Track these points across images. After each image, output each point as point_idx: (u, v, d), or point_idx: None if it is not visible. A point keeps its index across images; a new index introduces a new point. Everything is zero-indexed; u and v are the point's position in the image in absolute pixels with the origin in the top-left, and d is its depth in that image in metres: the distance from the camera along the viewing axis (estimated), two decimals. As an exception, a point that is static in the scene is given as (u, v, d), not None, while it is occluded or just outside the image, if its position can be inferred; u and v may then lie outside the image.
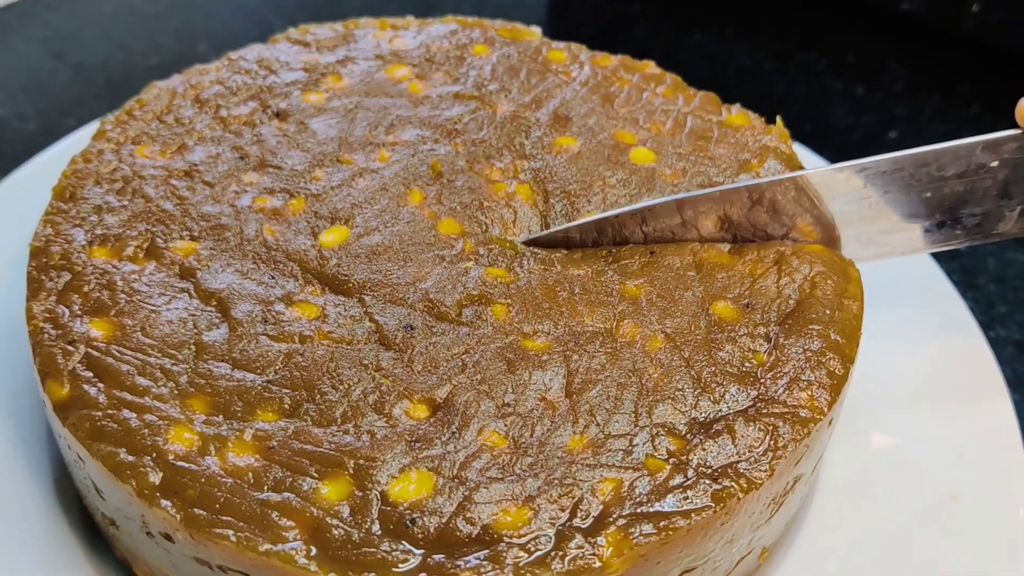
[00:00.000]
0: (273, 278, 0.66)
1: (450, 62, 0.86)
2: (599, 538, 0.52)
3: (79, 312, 0.62)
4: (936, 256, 0.84)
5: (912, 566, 0.65)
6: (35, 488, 0.67)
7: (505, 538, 0.52)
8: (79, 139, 0.85)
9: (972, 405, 0.74)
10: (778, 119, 0.82)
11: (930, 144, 0.66)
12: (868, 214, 0.69)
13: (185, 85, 0.81)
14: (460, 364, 0.61)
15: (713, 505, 0.54)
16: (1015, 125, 0.64)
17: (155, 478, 0.54)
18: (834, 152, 0.94)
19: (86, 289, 0.64)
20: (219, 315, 0.63)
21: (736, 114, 0.82)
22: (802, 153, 0.89)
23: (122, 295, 0.64)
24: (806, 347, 0.62)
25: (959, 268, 0.98)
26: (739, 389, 0.60)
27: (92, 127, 0.78)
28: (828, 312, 0.64)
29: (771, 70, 1.29)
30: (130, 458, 0.55)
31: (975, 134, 0.65)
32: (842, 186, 0.68)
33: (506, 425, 0.58)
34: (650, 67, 0.87)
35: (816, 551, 0.66)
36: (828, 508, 0.69)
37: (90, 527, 0.66)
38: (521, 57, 0.87)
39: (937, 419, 0.74)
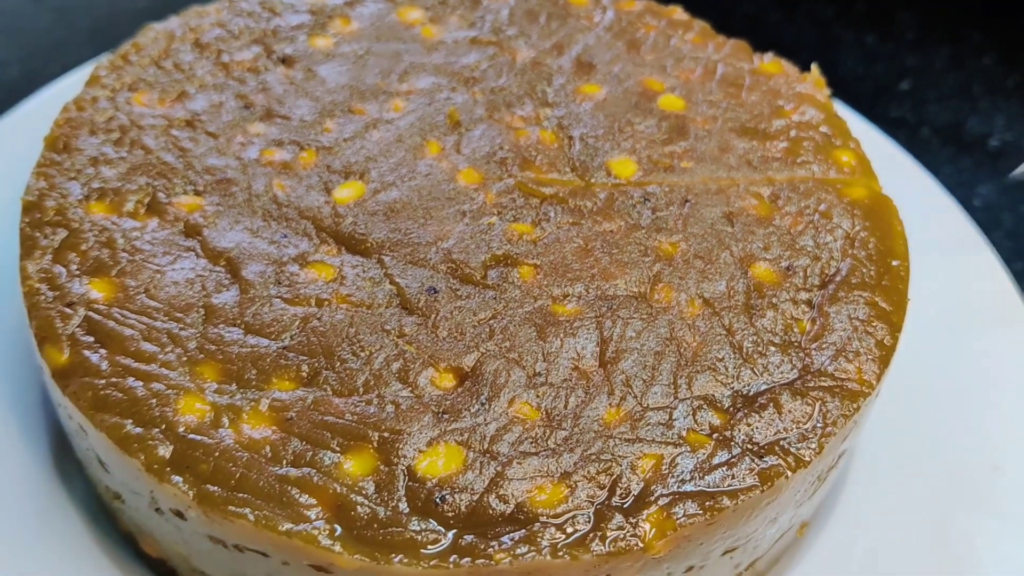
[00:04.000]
0: (285, 236, 0.62)
1: (465, 5, 0.81)
2: (640, 518, 0.49)
3: (77, 272, 0.58)
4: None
5: (951, 541, 0.63)
6: (31, 457, 0.63)
7: (541, 517, 0.49)
8: (67, 86, 0.80)
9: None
10: (813, 67, 0.78)
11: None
12: None
13: (183, 28, 0.75)
14: (487, 330, 0.57)
15: (760, 484, 0.51)
16: None
17: (165, 452, 0.51)
18: (844, 105, 0.90)
19: (84, 247, 0.60)
20: (229, 276, 0.59)
21: (769, 62, 0.78)
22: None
23: (123, 254, 0.60)
24: (852, 315, 0.59)
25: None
26: (783, 359, 0.57)
27: (80, 73, 0.73)
28: (873, 276, 0.61)
29: (778, 18, 1.25)
30: (137, 430, 0.52)
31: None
32: None
33: (538, 396, 0.54)
34: (677, 12, 0.83)
35: (854, 526, 0.64)
36: (865, 478, 0.66)
37: (91, 499, 0.63)
38: (540, 1, 0.82)
39: (979, 382, 0.71)
